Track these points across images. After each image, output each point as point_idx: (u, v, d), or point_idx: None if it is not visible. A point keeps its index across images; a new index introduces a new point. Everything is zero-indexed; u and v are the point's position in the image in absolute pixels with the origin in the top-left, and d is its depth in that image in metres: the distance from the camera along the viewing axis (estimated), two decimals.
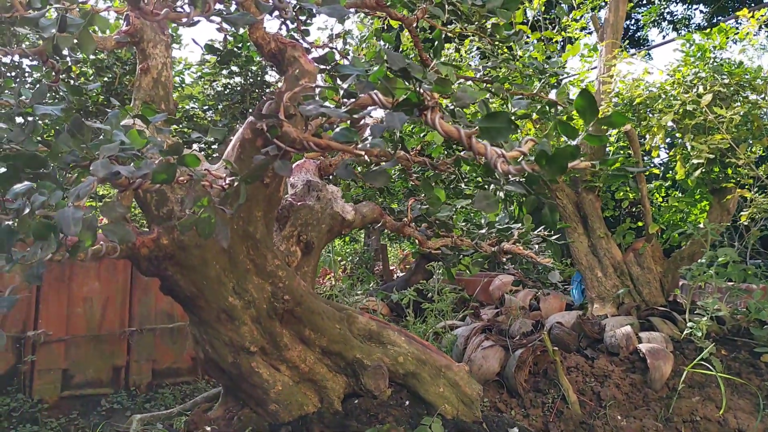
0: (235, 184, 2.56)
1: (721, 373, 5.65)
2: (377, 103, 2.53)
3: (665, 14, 16.84)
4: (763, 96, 6.65)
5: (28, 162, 2.43)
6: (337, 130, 2.30)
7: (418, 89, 2.32)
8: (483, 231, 3.66)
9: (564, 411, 5.73)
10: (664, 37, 16.74)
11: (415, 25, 3.28)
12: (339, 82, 2.97)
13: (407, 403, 3.78)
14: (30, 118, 2.85)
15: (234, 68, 9.66)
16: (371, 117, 2.44)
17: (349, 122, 2.72)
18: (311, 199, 3.93)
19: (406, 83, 2.53)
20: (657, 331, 6.52)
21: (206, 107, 9.29)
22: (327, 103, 2.68)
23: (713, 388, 5.90)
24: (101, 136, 2.69)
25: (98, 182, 2.33)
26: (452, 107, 2.43)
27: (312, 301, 3.59)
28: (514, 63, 3.72)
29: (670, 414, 5.67)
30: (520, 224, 4.14)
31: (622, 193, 8.24)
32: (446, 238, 4.12)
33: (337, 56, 3.44)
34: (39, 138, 2.88)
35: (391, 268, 14.01)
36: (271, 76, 9.89)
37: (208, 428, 3.40)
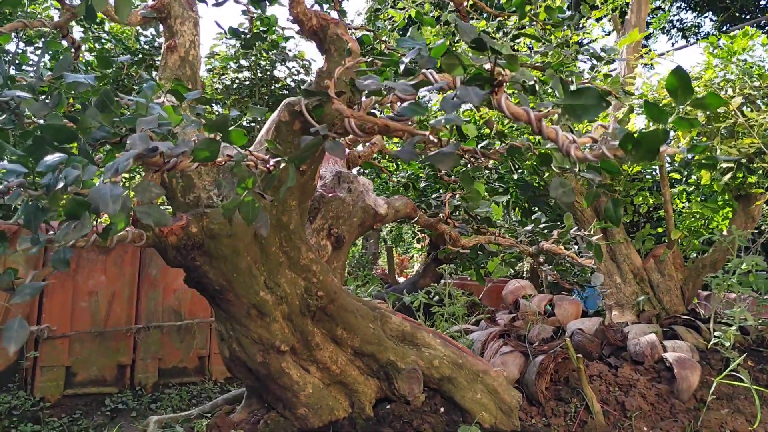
0: (282, 166, 2.33)
1: (755, 386, 5.44)
2: (433, 81, 2.31)
3: (674, 21, 16.69)
4: None
5: (56, 135, 2.20)
6: (404, 104, 2.07)
7: (492, 63, 2.09)
8: (527, 228, 3.44)
9: (588, 421, 5.49)
10: (673, 44, 16.58)
11: (465, 4, 3.06)
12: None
13: (442, 409, 3.55)
14: (54, 93, 2.61)
15: (243, 62, 9.44)
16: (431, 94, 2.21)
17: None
18: (342, 191, 3.70)
19: (472, 59, 2.31)
20: (681, 339, 6.32)
21: (215, 101, 9.06)
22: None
23: (742, 400, 5.70)
24: (134, 111, 2.46)
25: (135, 159, 2.10)
26: (527, 84, 2.20)
27: (345, 299, 3.36)
28: (568, 48, 3.51)
29: (698, 427, 5.46)
30: (560, 224, 3.94)
31: (641, 198, 8.04)
32: (481, 236, 3.90)
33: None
34: (64, 112, 2.66)
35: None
36: (280, 71, 9.67)
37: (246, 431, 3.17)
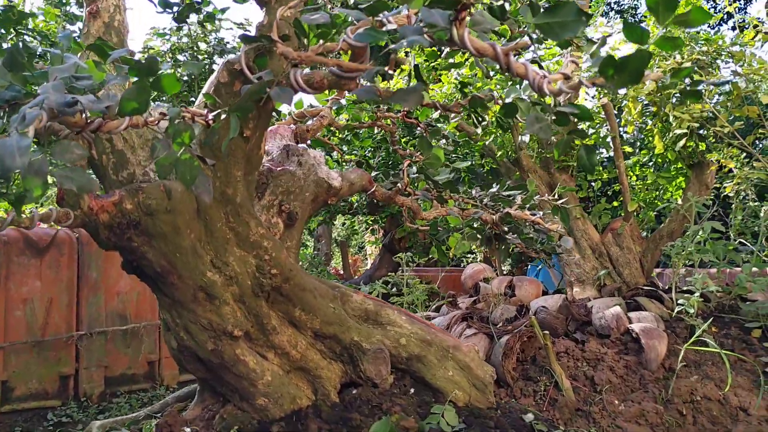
0: (222, 118, 2.05)
1: (722, 351, 5.37)
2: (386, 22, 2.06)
3: (612, 4, 16.97)
4: (741, 64, 6.44)
5: None
6: (359, 30, 1.82)
7: None
8: (492, 190, 3.22)
9: (558, 399, 5.32)
10: (612, 26, 16.85)
11: None
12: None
13: (412, 390, 3.30)
14: None
15: (180, 57, 9.05)
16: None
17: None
18: (292, 165, 3.43)
19: None
20: (645, 310, 6.23)
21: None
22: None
23: (710, 366, 5.62)
24: (48, 63, 2.16)
25: (48, 116, 1.79)
26: (496, 3, 1.97)
27: (302, 277, 3.09)
28: None
29: (669, 395, 5.36)
30: (522, 191, 3.74)
31: (594, 173, 7.97)
32: (442, 209, 3.67)
33: None
34: None
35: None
36: (218, 64, 9.30)
37: (187, 429, 2.86)
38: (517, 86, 2.65)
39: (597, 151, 8.59)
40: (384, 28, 2.02)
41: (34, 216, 2.30)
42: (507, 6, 2.02)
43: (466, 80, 4.08)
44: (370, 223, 10.87)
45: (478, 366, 3.49)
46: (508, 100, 2.62)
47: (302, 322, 3.09)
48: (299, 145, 3.58)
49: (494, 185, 3.33)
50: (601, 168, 7.91)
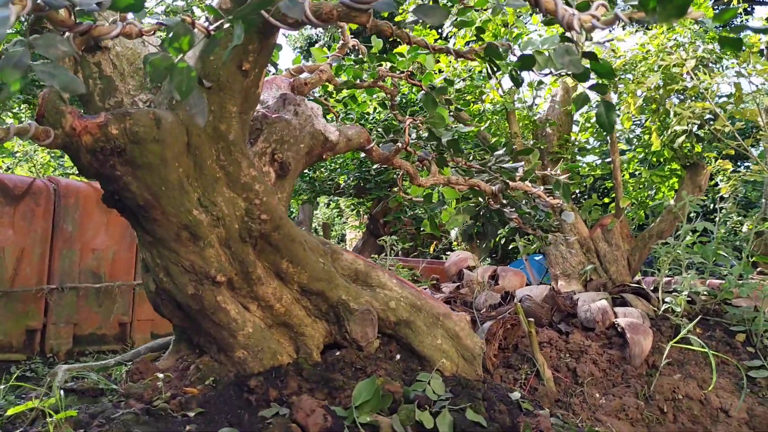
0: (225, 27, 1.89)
1: (709, 351, 5.30)
2: None
3: None
4: (746, 65, 6.35)
5: None
6: None
7: None
8: (498, 152, 3.08)
9: (538, 388, 5.20)
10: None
11: None
12: None
13: (398, 356, 3.16)
14: None
15: None
16: None
17: None
18: (288, 114, 3.26)
19: None
20: (631, 307, 6.16)
21: None
22: None
23: (693, 365, 5.56)
24: None
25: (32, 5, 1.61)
26: None
27: (292, 228, 2.92)
28: None
29: (651, 392, 5.28)
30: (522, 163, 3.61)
31: (587, 168, 7.89)
32: (441, 176, 3.53)
33: None
34: None
35: None
36: None
37: (161, 375, 2.68)
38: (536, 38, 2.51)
39: (591, 148, 8.51)
40: None
41: (10, 128, 2.12)
42: None
43: (483, 25, 3.94)
44: (356, 205, 10.72)
45: (468, 336, 3.35)
46: (527, 52, 2.48)
47: (289, 275, 2.92)
48: (296, 95, 3.41)
49: (500, 148, 3.19)
50: (594, 164, 7.83)
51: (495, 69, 2.49)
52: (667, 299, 6.10)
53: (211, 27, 1.93)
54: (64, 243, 5.57)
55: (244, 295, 2.85)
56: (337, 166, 9.80)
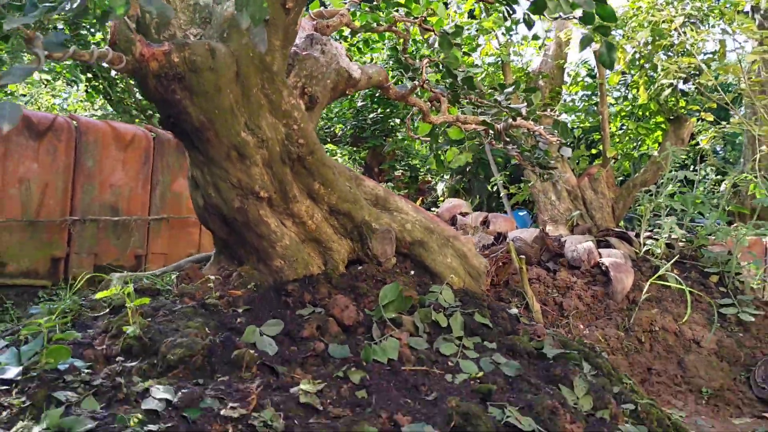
0: None
1: (686, 287, 5.77)
2: None
3: None
4: (731, 23, 6.69)
5: None
6: None
7: None
8: (500, 98, 3.44)
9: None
10: None
11: None
12: None
13: (413, 272, 3.56)
14: None
15: None
16: None
17: None
18: (315, 52, 3.59)
19: None
20: (615, 249, 6.59)
21: None
22: None
23: (669, 302, 6.04)
24: None
25: None
26: None
27: (324, 153, 3.29)
28: None
29: (630, 324, 5.75)
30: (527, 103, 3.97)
31: (575, 121, 8.28)
32: (450, 115, 3.88)
33: None
34: None
35: None
36: None
37: (212, 277, 3.06)
38: None
39: (575, 106, 8.87)
40: None
41: (93, 52, 2.44)
42: None
43: None
44: (352, 153, 11.04)
45: (474, 256, 3.75)
46: None
47: (320, 195, 3.29)
48: (322, 36, 3.73)
49: (510, 87, 3.55)
50: (582, 116, 8.21)
51: (511, 12, 2.84)
52: (648, 242, 6.54)
53: None
54: (84, 178, 5.89)
55: (281, 212, 3.22)
56: (334, 116, 10.09)
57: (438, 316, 3.08)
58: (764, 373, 5.28)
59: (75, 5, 1.94)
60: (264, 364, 2.52)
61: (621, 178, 8.24)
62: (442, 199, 11.64)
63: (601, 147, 7.92)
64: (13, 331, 3.15)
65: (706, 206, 6.89)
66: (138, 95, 8.46)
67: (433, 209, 13.91)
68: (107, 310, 2.85)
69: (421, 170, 7.93)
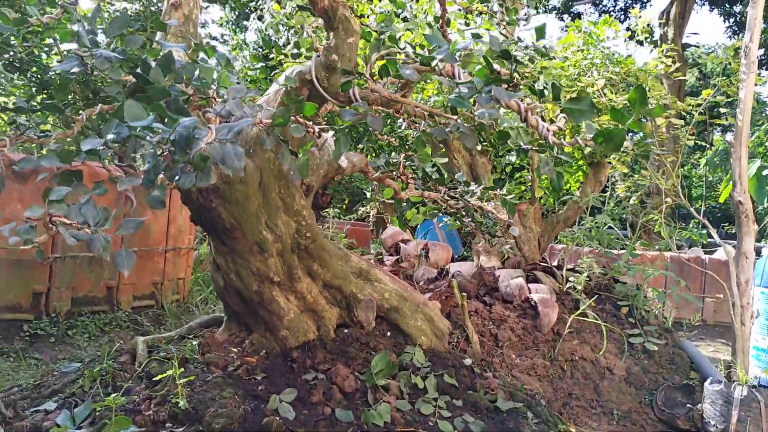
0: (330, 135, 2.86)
1: (602, 323, 6.66)
2: (456, 76, 2.96)
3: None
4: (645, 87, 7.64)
5: (157, 93, 2.60)
6: (452, 96, 2.69)
7: (511, 71, 2.77)
8: (472, 188, 4.19)
9: (467, 350, 6.45)
10: (526, 15, 18.08)
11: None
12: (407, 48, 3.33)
13: (389, 333, 4.27)
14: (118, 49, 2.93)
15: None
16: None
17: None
18: (313, 147, 4.23)
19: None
20: (541, 283, 7.47)
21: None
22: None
23: (587, 333, 6.96)
24: (197, 72, 2.84)
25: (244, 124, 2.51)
26: (541, 87, 2.89)
27: (322, 239, 3.95)
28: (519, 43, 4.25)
29: (555, 354, 6.64)
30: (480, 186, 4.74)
31: (507, 160, 9.14)
32: (417, 190, 4.60)
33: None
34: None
35: None
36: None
37: (234, 349, 3.68)
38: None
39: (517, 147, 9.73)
40: (450, 82, 2.92)
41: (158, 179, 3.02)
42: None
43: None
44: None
45: (439, 319, 4.50)
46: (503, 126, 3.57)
47: (317, 274, 3.96)
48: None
49: (473, 185, 4.29)
50: (515, 156, 9.09)
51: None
52: (571, 278, 7.45)
53: (317, 129, 2.91)
54: None
55: (286, 290, 3.87)
56: None
57: (416, 379, 3.81)
58: (664, 397, 6.25)
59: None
60: (289, 429, 3.19)
61: (543, 212, 9.14)
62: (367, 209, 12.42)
63: (529, 184, 8.76)
64: (54, 390, 3.69)
65: (618, 244, 7.85)
66: None
67: (360, 213, 14.69)
68: (140, 372, 3.44)
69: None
